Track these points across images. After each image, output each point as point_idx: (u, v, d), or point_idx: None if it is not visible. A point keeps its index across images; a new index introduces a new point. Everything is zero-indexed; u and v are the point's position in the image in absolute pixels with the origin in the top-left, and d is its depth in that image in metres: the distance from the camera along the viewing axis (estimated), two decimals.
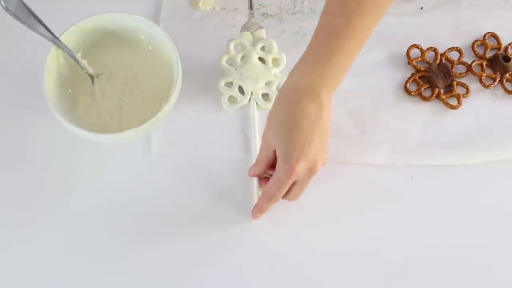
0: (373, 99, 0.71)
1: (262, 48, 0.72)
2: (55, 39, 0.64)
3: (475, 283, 0.63)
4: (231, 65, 0.71)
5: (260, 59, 0.72)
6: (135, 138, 0.66)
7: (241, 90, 0.71)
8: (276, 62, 0.72)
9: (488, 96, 0.72)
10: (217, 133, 0.69)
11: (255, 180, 0.66)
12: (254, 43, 0.72)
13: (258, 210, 0.63)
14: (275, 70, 0.71)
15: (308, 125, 0.57)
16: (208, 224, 0.65)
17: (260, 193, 0.64)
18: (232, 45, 0.72)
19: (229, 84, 0.71)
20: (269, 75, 0.71)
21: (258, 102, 0.70)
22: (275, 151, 0.60)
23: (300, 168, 0.58)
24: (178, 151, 0.68)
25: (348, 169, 0.67)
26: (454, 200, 0.67)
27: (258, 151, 0.65)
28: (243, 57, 0.72)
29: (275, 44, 0.72)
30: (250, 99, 0.70)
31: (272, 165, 0.62)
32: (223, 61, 0.71)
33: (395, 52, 0.73)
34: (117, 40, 0.68)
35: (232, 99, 0.70)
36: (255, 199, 0.65)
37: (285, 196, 0.62)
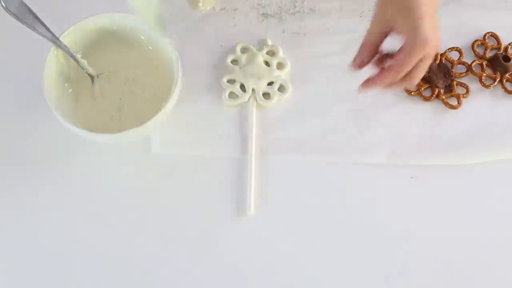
0: (373, 99, 0.71)
1: (268, 53, 0.72)
2: (55, 39, 0.64)
3: (475, 283, 0.63)
4: (236, 65, 0.72)
5: (265, 62, 0.72)
6: (135, 138, 0.66)
7: (242, 88, 0.71)
8: (280, 66, 0.72)
9: (488, 96, 0.72)
10: (217, 133, 0.69)
11: (249, 177, 0.66)
12: (260, 48, 0.72)
13: (374, 81, 0.59)
14: (278, 73, 0.71)
15: (429, 3, 0.55)
16: (207, 223, 0.65)
17: (253, 190, 0.65)
18: (238, 48, 0.72)
19: (232, 81, 0.71)
20: (272, 76, 0.71)
21: (258, 100, 0.70)
22: (386, 33, 0.57)
23: (432, 41, 0.55)
24: (178, 151, 0.68)
25: (348, 169, 0.67)
26: (454, 200, 0.67)
27: (255, 151, 0.66)
28: (248, 58, 0.72)
29: (280, 50, 0.72)
30: (250, 97, 0.70)
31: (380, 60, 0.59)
32: (228, 60, 0.72)
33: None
34: (117, 40, 0.68)
35: (232, 95, 0.70)
36: (251, 197, 0.65)
37: (407, 77, 0.58)
